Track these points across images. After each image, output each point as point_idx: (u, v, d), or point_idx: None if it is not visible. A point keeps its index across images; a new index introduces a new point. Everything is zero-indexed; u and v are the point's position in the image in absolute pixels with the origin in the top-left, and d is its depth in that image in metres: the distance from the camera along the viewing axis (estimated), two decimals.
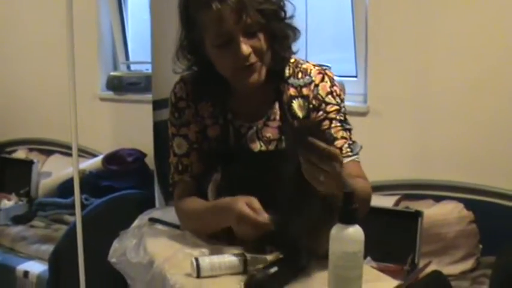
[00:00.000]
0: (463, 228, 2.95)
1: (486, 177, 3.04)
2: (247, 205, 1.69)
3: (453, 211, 2.99)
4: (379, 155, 3.01)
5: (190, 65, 1.87)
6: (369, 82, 3.33)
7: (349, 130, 1.86)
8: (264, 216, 1.67)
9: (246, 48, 1.72)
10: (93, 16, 4.19)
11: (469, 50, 3.03)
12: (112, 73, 4.21)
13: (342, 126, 1.85)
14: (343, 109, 1.88)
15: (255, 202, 1.70)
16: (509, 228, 2.72)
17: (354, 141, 1.86)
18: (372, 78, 3.32)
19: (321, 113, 1.86)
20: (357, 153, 1.85)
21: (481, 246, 2.99)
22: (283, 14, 1.81)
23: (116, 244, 2.00)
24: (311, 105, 1.88)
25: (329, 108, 1.86)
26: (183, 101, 1.93)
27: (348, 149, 1.82)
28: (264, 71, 1.79)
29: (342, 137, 1.83)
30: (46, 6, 4.29)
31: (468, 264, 2.92)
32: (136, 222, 2.10)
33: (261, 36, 1.75)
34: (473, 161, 3.09)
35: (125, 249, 1.93)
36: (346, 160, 1.73)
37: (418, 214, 2.83)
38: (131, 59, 4.37)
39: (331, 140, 1.77)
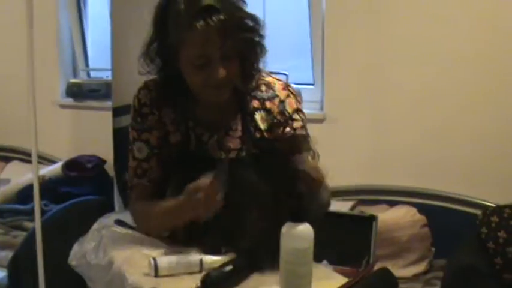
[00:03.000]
0: (416, 231, 3.02)
1: (439, 182, 3.12)
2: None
3: (406, 215, 3.06)
4: (335, 161, 2.99)
5: (157, 69, 1.88)
6: (326, 89, 3.39)
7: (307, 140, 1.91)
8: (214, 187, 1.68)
9: (222, 72, 1.74)
10: (52, 23, 4.18)
11: (424, 57, 3.12)
12: (72, 80, 4.20)
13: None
14: (305, 123, 1.94)
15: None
16: (460, 232, 2.78)
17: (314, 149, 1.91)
18: (328, 86, 3.38)
19: (288, 129, 1.91)
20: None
21: (433, 249, 3.06)
22: (259, 38, 1.84)
23: (76, 247, 2.00)
24: (275, 120, 1.92)
25: (295, 124, 1.91)
26: (146, 107, 1.92)
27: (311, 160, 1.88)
28: (230, 88, 1.84)
29: (306, 149, 1.86)
30: (5, 10, 4.26)
31: (421, 267, 2.99)
32: (95, 226, 2.09)
33: (236, 59, 1.78)
34: (426, 166, 3.16)
35: (84, 252, 1.94)
36: None
37: (372, 218, 2.88)
38: (91, 65, 4.36)
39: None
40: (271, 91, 1.93)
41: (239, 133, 1.92)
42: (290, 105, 1.92)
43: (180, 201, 1.76)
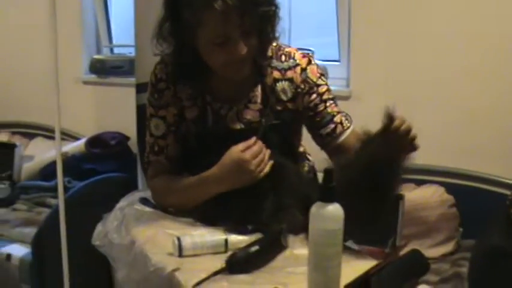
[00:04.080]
0: (444, 211, 2.98)
1: (467, 162, 3.06)
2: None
3: (434, 195, 3.02)
4: None
5: (171, 49, 1.87)
6: (352, 66, 3.34)
7: (336, 101, 1.98)
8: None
9: (243, 48, 1.75)
10: None
11: (454, 35, 3.04)
12: (95, 56, 4.18)
13: (334, 102, 1.96)
14: (329, 86, 1.97)
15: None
16: (489, 212, 2.74)
17: (344, 112, 1.99)
18: (355, 63, 3.33)
19: (314, 96, 1.93)
20: (351, 122, 1.98)
21: (461, 229, 3.01)
22: (275, 9, 1.83)
23: (99, 227, 2.01)
24: (299, 89, 1.92)
25: (321, 89, 1.93)
26: (162, 82, 1.94)
27: (346, 121, 1.96)
28: (251, 63, 1.83)
29: (338, 112, 1.96)
30: None
31: (449, 247, 2.95)
32: (119, 204, 2.10)
33: (254, 33, 1.78)
34: (454, 145, 3.11)
35: (107, 231, 1.94)
36: (348, 131, 1.93)
37: (399, 197, 2.84)
38: (114, 42, 4.34)
39: None
40: (291, 60, 1.94)
41: (259, 106, 1.93)
42: (312, 72, 1.94)
43: (217, 170, 1.77)
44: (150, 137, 1.98)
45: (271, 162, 1.74)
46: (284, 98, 1.92)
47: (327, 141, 1.97)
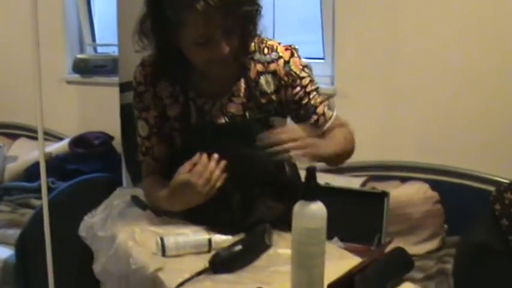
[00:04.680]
0: (429, 208, 2.99)
1: (451, 159, 3.08)
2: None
3: (419, 192, 3.03)
4: None
5: (152, 45, 1.86)
6: (336, 64, 3.35)
7: (318, 91, 1.99)
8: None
9: (225, 47, 1.74)
10: None
11: (437, 31, 3.06)
12: (78, 56, 4.17)
13: (317, 93, 1.96)
14: (312, 77, 1.98)
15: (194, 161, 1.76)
16: (473, 209, 2.75)
17: (326, 98, 1.99)
18: (339, 60, 3.33)
19: (298, 89, 1.93)
20: (333, 109, 1.99)
21: (446, 226, 3.03)
22: (257, 8, 1.82)
23: (86, 219, 2.02)
24: (283, 82, 1.92)
25: (304, 82, 1.93)
26: (141, 85, 1.94)
27: (329, 110, 1.97)
28: (232, 60, 1.82)
29: (321, 102, 1.96)
30: None
31: (434, 244, 2.96)
32: (109, 198, 2.12)
33: (237, 32, 1.78)
34: (438, 142, 3.12)
35: (92, 224, 1.96)
36: (330, 121, 1.96)
37: (384, 195, 2.85)
38: (98, 41, 4.33)
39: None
40: (274, 53, 1.93)
41: (242, 99, 1.92)
42: (295, 64, 1.93)
43: (170, 192, 1.81)
44: (138, 138, 2.01)
45: (223, 175, 1.74)
46: (268, 90, 1.92)
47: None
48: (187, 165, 1.75)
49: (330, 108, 1.98)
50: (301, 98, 1.94)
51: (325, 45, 3.44)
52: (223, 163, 1.74)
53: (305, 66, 1.95)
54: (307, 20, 3.65)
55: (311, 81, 1.95)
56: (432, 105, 3.11)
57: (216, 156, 1.74)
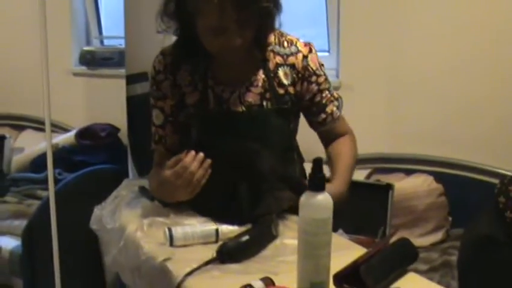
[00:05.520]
0: (433, 200, 3.00)
1: (456, 151, 3.08)
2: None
3: (423, 184, 3.03)
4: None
5: (174, 28, 1.89)
6: (341, 57, 3.35)
7: (331, 90, 2.03)
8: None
9: (238, 41, 1.76)
10: None
11: (442, 25, 3.06)
12: (85, 48, 4.18)
13: (329, 92, 2.01)
14: (327, 76, 2.03)
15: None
16: (477, 201, 2.75)
17: (338, 97, 2.03)
18: (344, 53, 3.34)
19: (313, 85, 1.97)
20: (341, 109, 2.04)
21: (450, 218, 3.03)
22: (275, 5, 1.84)
23: (96, 211, 2.03)
24: (300, 75, 1.96)
25: (319, 79, 1.98)
26: (161, 74, 1.96)
27: (337, 110, 2.02)
28: (245, 49, 1.84)
29: (332, 101, 2.01)
30: None
31: (438, 236, 2.97)
32: (117, 189, 2.14)
33: (252, 27, 1.79)
34: (443, 134, 3.12)
35: (102, 216, 1.97)
36: (336, 121, 2.02)
37: (389, 187, 2.86)
38: (104, 33, 4.33)
39: None
40: (293, 47, 1.98)
41: (260, 89, 1.94)
42: (313, 60, 1.98)
43: (157, 184, 1.83)
44: (153, 127, 2.03)
45: (208, 173, 1.73)
46: (286, 82, 1.95)
47: (317, 127, 2.04)
48: (172, 161, 1.75)
49: (338, 108, 2.03)
50: (314, 95, 1.98)
51: (330, 38, 3.44)
52: (207, 163, 1.73)
53: (322, 64, 2.00)
54: (312, 13, 3.65)
55: (325, 79, 2.00)
56: (437, 97, 3.11)
57: (201, 155, 1.72)
